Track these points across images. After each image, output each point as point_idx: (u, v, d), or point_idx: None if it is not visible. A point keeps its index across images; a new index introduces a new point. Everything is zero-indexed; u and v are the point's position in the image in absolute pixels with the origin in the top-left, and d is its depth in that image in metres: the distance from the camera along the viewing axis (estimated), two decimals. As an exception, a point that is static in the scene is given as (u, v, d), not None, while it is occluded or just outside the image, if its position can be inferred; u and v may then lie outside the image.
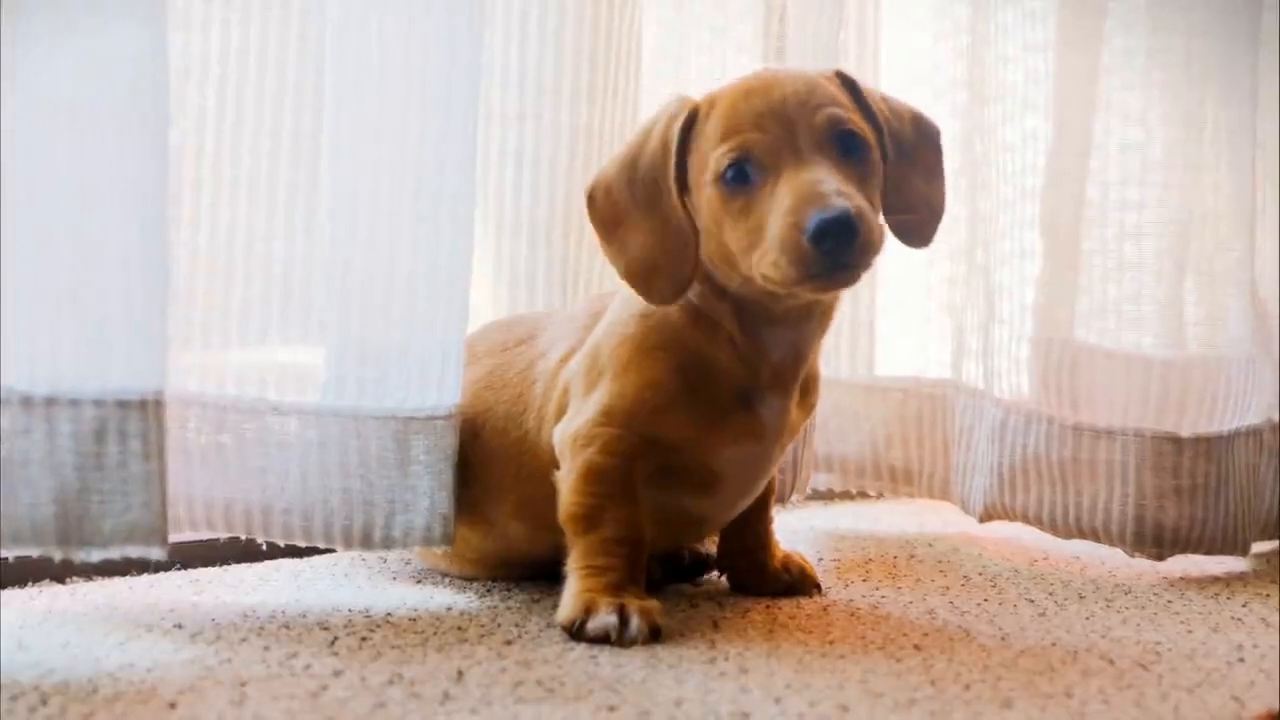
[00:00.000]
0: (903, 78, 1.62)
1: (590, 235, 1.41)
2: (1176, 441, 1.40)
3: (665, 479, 1.13)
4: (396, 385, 1.16)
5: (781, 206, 1.02)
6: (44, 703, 0.87)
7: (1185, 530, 1.40)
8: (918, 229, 1.15)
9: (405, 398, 1.16)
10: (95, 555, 0.99)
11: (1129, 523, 1.40)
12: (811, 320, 1.13)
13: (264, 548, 1.27)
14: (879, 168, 1.10)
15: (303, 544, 1.18)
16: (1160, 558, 1.41)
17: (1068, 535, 1.44)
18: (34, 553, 0.99)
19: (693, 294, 1.12)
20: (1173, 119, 1.45)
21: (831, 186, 1.01)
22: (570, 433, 1.12)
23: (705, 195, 1.07)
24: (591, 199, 1.13)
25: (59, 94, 0.98)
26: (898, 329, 1.67)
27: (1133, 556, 1.42)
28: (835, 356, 1.61)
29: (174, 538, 1.26)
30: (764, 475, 1.18)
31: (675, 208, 1.09)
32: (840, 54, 1.49)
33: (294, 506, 1.15)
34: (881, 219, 1.09)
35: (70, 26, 0.98)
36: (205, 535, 1.22)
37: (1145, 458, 1.40)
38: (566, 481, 1.12)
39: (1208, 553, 1.42)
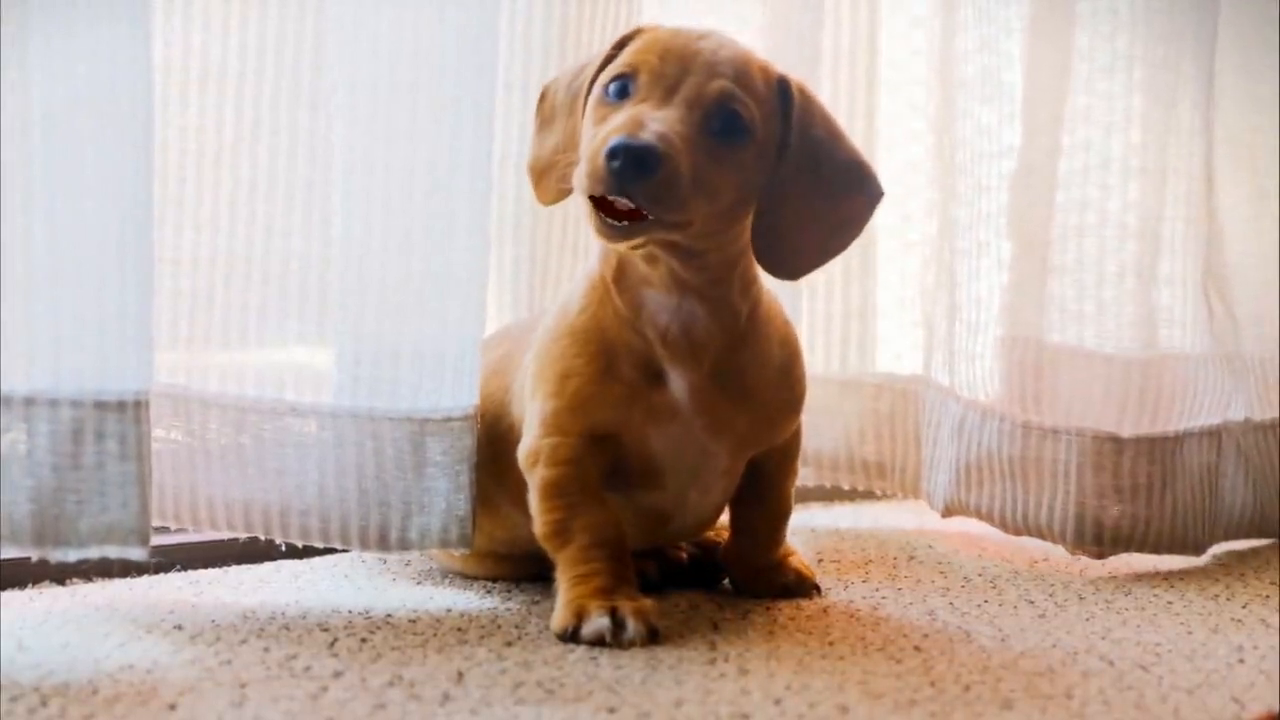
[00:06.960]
0: (903, 76, 1.62)
1: (560, 234, 1.41)
2: (1117, 441, 1.41)
3: (615, 475, 1.13)
4: (410, 386, 1.16)
5: (611, 124, 1.03)
6: (44, 704, 0.87)
7: (1127, 529, 1.40)
8: (780, 256, 1.10)
9: (420, 399, 1.16)
10: (72, 555, 0.99)
11: (1070, 520, 1.40)
12: (686, 292, 1.10)
13: (265, 548, 1.27)
14: (753, 166, 1.08)
15: (320, 545, 1.18)
16: (1101, 556, 1.42)
17: (1017, 532, 1.45)
18: (10, 552, 0.99)
19: (596, 259, 1.12)
20: (1135, 122, 1.45)
21: (656, 124, 1.01)
22: (523, 452, 1.13)
23: (592, 99, 1.09)
24: (542, 96, 1.17)
25: (37, 93, 0.97)
26: (875, 326, 1.66)
27: (1074, 555, 1.43)
28: (810, 353, 1.59)
29: (178, 538, 1.27)
30: (710, 468, 1.15)
31: (581, 113, 1.11)
32: (823, 52, 1.50)
33: (312, 508, 1.16)
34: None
35: (47, 24, 0.98)
36: (223, 535, 1.22)
37: (1087, 457, 1.40)
38: (532, 502, 1.12)
39: (1154, 551, 1.42)
